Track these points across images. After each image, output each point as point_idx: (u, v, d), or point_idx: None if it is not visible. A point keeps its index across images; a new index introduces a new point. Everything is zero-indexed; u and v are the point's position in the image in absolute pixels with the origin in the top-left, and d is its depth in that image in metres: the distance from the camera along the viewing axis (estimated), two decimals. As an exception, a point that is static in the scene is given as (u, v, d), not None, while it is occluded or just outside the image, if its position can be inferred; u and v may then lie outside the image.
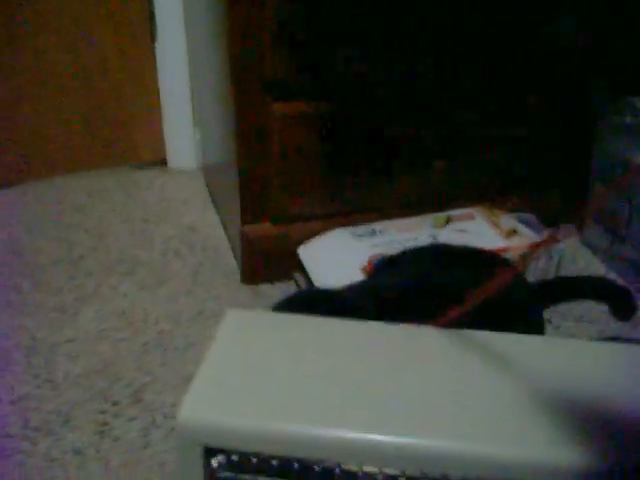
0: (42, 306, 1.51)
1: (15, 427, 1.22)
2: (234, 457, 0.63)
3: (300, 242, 1.59)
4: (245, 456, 0.62)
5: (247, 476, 0.63)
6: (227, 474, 0.63)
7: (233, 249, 1.67)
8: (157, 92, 2.01)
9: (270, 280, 1.59)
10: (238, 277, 1.61)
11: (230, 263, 1.66)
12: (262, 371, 0.68)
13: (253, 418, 0.63)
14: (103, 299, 1.53)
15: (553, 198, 1.73)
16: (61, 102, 1.93)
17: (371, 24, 1.40)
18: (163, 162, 2.13)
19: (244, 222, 1.54)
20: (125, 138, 2.05)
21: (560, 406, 0.62)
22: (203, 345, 1.35)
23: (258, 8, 1.31)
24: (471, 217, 1.68)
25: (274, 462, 0.62)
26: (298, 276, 1.61)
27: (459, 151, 1.62)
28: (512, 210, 1.69)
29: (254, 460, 0.63)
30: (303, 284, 1.59)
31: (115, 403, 1.26)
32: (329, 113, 1.45)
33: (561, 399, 0.63)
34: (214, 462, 0.64)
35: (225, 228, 1.77)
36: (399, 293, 1.07)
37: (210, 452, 0.63)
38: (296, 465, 0.61)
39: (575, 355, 0.70)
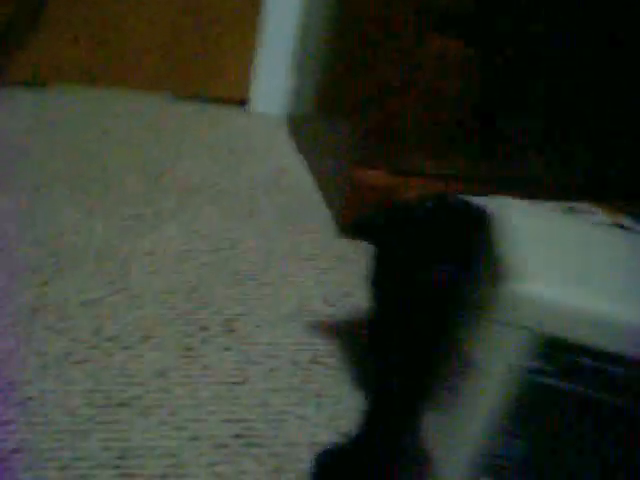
0: (115, 213, 1.30)
1: (85, 332, 1.00)
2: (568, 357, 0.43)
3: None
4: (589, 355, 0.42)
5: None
6: (549, 380, 0.43)
7: (328, 200, 1.47)
8: (254, 25, 1.80)
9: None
10: (332, 227, 1.41)
11: (323, 213, 1.45)
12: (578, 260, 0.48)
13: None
14: (184, 219, 1.32)
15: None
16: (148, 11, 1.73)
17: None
18: (242, 102, 1.92)
19: (357, 164, 1.34)
20: (207, 67, 1.85)
21: None
22: (301, 285, 1.15)
23: None
24: (592, 212, 1.49)
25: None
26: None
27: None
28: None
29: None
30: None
31: (203, 328, 1.05)
32: (491, 61, 1.26)
33: None
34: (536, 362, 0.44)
35: (319, 178, 1.57)
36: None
37: (553, 345, 0.43)
38: None
39: None
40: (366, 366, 1.03)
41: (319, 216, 1.44)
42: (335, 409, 0.96)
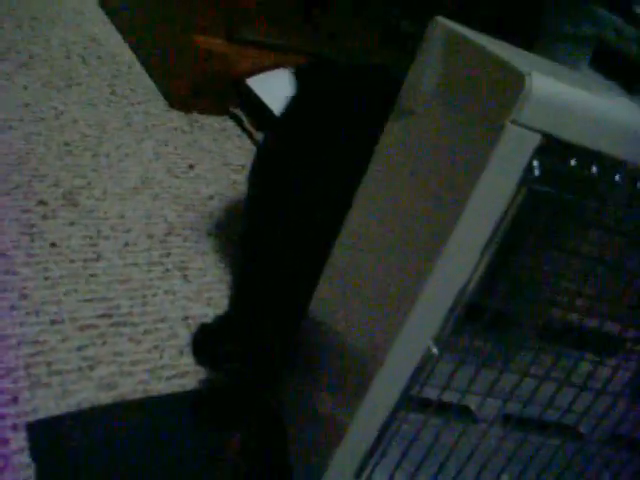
0: None
1: None
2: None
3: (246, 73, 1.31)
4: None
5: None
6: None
7: (156, 71, 1.36)
8: None
9: (203, 111, 1.30)
10: (162, 99, 1.30)
11: (148, 84, 1.34)
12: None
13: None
14: (-3, 87, 1.15)
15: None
16: None
17: None
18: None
19: (195, 32, 1.23)
20: None
21: None
22: (141, 157, 1.05)
23: None
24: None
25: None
26: (239, 111, 1.34)
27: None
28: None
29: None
30: (245, 120, 1.32)
31: (42, 203, 0.93)
32: None
33: None
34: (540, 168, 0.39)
35: (141, 49, 1.44)
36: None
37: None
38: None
39: None
40: (222, 238, 0.97)
41: (145, 87, 1.32)
42: (202, 281, 0.89)
